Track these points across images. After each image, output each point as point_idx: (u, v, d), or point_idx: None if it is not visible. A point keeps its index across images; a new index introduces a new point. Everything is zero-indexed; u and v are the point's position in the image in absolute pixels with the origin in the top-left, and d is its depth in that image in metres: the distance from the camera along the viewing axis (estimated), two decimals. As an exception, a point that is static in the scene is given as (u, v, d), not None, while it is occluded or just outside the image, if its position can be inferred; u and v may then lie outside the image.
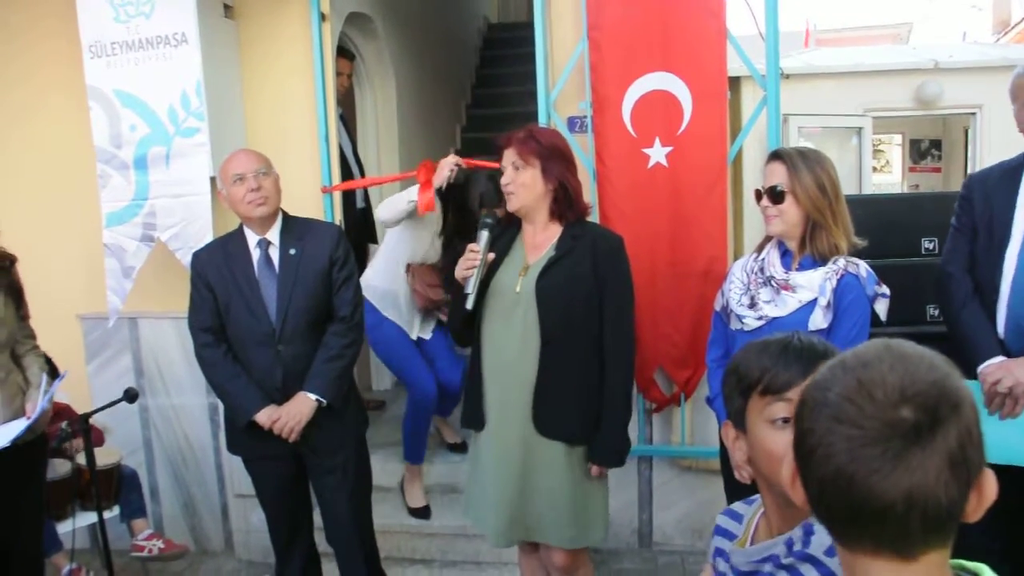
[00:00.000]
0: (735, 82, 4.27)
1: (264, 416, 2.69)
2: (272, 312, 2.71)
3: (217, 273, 2.75)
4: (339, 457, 2.81)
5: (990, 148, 6.30)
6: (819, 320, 2.30)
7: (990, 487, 0.84)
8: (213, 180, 3.44)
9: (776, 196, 2.37)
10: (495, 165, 2.69)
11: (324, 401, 2.71)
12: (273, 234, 2.77)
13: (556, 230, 2.52)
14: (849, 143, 6.22)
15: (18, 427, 2.59)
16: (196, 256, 2.84)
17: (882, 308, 2.37)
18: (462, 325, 2.60)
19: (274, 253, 2.76)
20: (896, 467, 0.79)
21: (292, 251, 2.75)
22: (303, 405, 2.70)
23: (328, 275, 2.76)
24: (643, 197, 3.25)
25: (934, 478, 0.79)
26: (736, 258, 2.80)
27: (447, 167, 3.30)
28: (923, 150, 9.60)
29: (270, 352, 2.71)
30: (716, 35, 3.18)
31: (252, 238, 2.77)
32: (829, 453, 0.83)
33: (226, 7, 3.63)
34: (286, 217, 2.82)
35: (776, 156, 2.43)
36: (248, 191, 2.67)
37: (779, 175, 2.38)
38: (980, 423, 0.83)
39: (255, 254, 2.76)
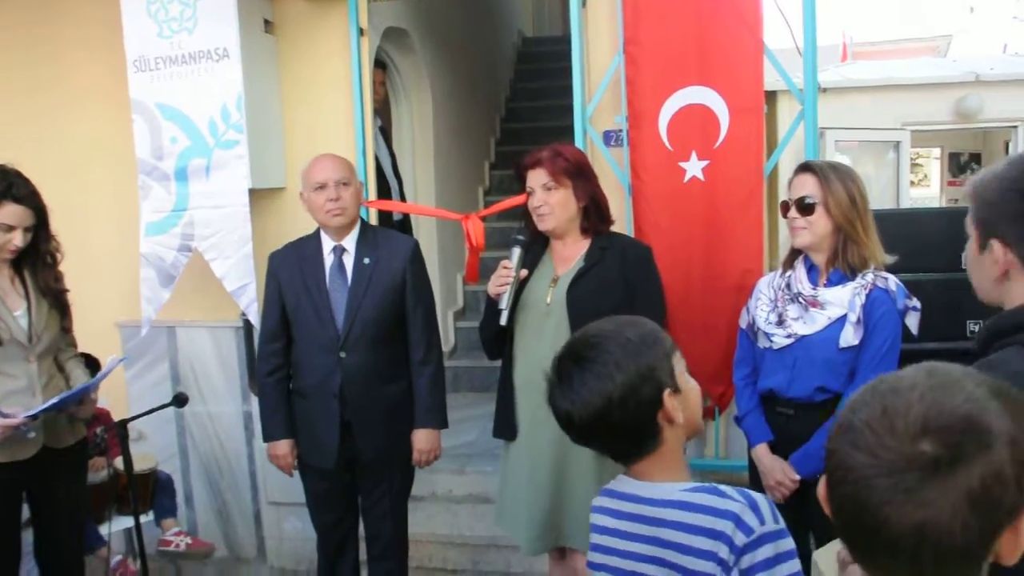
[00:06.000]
0: (771, 96, 4.25)
1: (273, 449, 2.85)
2: (339, 319, 2.74)
3: (289, 275, 2.81)
4: (389, 469, 2.86)
5: (1032, 162, 6.18)
6: (850, 336, 2.27)
7: None
8: (252, 192, 3.50)
9: (805, 207, 2.34)
10: (520, 201, 2.66)
11: (446, 427, 2.90)
12: (349, 242, 2.79)
13: (584, 243, 2.53)
14: (886, 157, 6.15)
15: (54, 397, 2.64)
16: (272, 256, 2.89)
17: (913, 322, 2.33)
18: (494, 339, 2.62)
19: (348, 261, 2.78)
20: (908, 500, 0.77)
21: (367, 260, 2.77)
22: (433, 438, 2.86)
23: (400, 289, 2.79)
24: (679, 211, 3.25)
25: (949, 516, 0.76)
26: (771, 271, 2.78)
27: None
28: (962, 164, 9.47)
29: (332, 358, 2.74)
30: (753, 49, 3.17)
31: (327, 244, 2.80)
32: (845, 478, 0.82)
33: (266, 22, 3.69)
34: (364, 226, 2.85)
35: (805, 168, 2.40)
36: (327, 200, 2.70)
37: (809, 186, 2.35)
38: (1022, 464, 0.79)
39: (328, 260, 2.79)
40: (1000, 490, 0.77)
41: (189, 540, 3.65)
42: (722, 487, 1.32)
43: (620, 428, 1.35)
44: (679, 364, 1.39)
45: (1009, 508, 0.79)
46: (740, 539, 1.25)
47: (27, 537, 2.85)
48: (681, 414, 1.36)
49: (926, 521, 0.77)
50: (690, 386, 1.41)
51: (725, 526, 1.26)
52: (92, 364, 3.13)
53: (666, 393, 1.34)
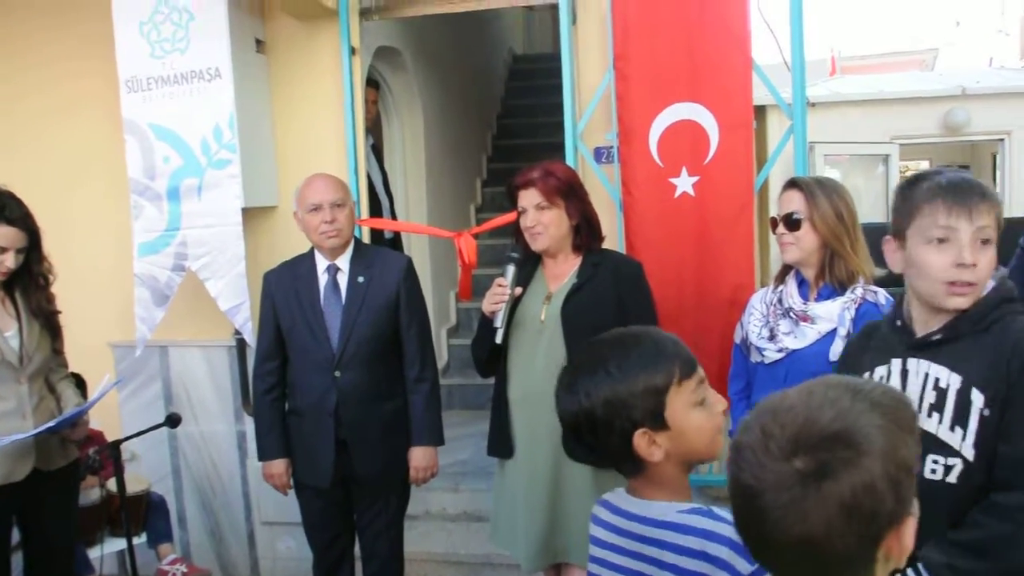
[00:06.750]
0: (761, 111, 4.29)
1: (268, 469, 2.85)
2: (334, 338, 2.74)
3: (283, 294, 2.81)
4: (386, 487, 2.85)
5: (1019, 173, 6.26)
6: (839, 350, 2.27)
7: (907, 537, 0.85)
8: (244, 211, 3.50)
9: (792, 223, 2.36)
10: (512, 219, 2.66)
11: (443, 444, 2.89)
12: (343, 261, 2.80)
13: (576, 260, 2.55)
14: (876, 170, 6.20)
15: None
16: (266, 276, 2.89)
17: None
18: (488, 358, 2.61)
19: (342, 279, 2.78)
20: (786, 516, 0.82)
21: (360, 279, 2.78)
22: (429, 456, 2.85)
23: (395, 307, 2.79)
24: (670, 226, 3.26)
25: (824, 528, 0.80)
26: (763, 287, 2.80)
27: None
28: (951, 177, 9.52)
29: (327, 377, 2.74)
30: (742, 65, 3.19)
31: (321, 263, 2.80)
32: (735, 495, 0.87)
33: (258, 42, 3.70)
34: (357, 244, 2.86)
35: (792, 184, 2.42)
36: (323, 222, 2.69)
37: (796, 202, 2.37)
38: (903, 473, 0.83)
39: (323, 279, 2.79)
40: (873, 502, 0.81)
41: (185, 568, 3.62)
42: (717, 510, 1.29)
43: (592, 448, 1.35)
44: (684, 395, 1.29)
45: (888, 517, 0.83)
46: (744, 567, 1.23)
47: (17, 560, 2.83)
48: (661, 451, 1.28)
49: (805, 534, 0.81)
50: (692, 419, 1.29)
51: (719, 551, 1.24)
52: (80, 384, 3.11)
53: (638, 432, 1.27)
